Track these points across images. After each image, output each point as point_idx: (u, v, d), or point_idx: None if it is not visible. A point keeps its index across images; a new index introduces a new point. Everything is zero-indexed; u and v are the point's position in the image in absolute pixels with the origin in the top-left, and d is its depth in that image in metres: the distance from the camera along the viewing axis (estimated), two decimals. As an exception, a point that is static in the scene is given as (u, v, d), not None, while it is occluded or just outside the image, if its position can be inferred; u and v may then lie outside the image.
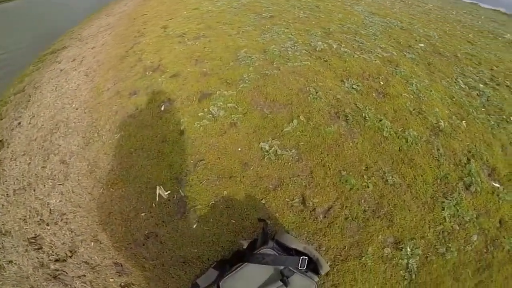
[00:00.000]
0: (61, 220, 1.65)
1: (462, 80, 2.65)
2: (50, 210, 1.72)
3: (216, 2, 4.28)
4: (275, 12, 3.59)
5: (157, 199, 1.69)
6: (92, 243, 1.56)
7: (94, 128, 2.19)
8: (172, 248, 1.53)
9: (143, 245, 1.53)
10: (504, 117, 2.38)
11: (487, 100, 2.52)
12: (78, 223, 1.63)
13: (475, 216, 1.76)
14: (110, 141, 2.05)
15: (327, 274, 1.49)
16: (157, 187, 1.74)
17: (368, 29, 3.30)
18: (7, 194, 1.86)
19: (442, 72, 2.71)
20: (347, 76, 2.39)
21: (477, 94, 2.55)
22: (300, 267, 1.13)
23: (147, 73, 2.58)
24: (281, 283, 1.09)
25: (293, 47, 2.74)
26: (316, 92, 2.18)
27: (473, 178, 1.87)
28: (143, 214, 1.63)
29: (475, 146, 2.07)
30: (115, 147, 2.01)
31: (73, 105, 2.50)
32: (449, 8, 5.58)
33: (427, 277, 1.55)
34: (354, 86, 2.28)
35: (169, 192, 1.72)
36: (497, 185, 1.92)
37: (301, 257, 1.16)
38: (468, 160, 1.97)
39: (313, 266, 1.23)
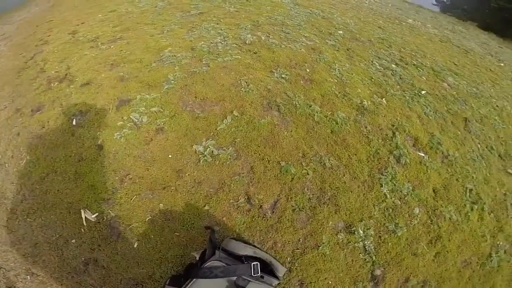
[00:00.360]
0: (-17, 258, 1.45)
1: (377, 62, 2.86)
2: (-34, 250, 1.48)
3: (137, 3, 3.85)
4: (204, 8, 3.38)
5: (85, 223, 1.46)
6: (28, 276, 1.37)
7: (-7, 157, 1.77)
8: (118, 272, 1.37)
9: (85, 272, 1.37)
10: (416, 91, 2.64)
11: (400, 78, 2.75)
12: (3, 259, 1.42)
13: (411, 188, 1.85)
14: (15, 169, 1.68)
15: (290, 270, 1.44)
16: (81, 210, 1.49)
17: (294, 20, 3.35)
18: None
19: (360, 56, 2.87)
20: (276, 66, 2.35)
21: (391, 73, 2.77)
22: (254, 274, 1.01)
23: (52, 84, 2.16)
24: None
25: (223, 42, 2.59)
26: (248, 85, 2.09)
27: (401, 150, 1.99)
28: (73, 241, 1.43)
29: (397, 120, 2.22)
30: (22, 174, 1.65)
31: (-39, 133, 1.98)
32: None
33: (387, 256, 1.59)
34: (283, 76, 2.25)
35: (97, 214, 1.48)
36: (422, 155, 2.08)
37: (252, 263, 1.03)
38: (393, 133, 2.09)
39: (269, 270, 1.12)
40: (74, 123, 1.83)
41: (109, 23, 3.20)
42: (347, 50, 2.92)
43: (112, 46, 2.57)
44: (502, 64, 4.50)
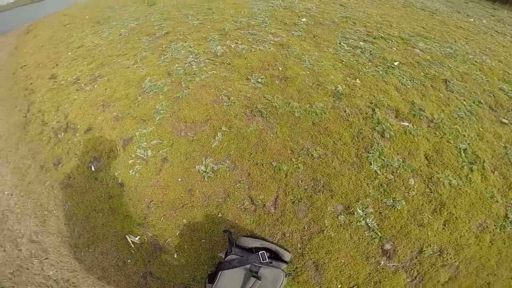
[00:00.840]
0: (70, 285, 1.82)
1: (345, 43, 3.08)
2: (55, 280, 1.87)
3: (101, 33, 4.03)
4: (169, 27, 3.57)
5: (132, 246, 1.84)
6: (110, 295, 1.78)
7: (41, 207, 2.16)
8: (169, 279, 1.74)
9: (146, 284, 1.76)
10: (388, 64, 2.82)
11: (370, 54, 2.96)
12: (85, 284, 1.81)
13: (401, 160, 1.95)
14: (63, 213, 2.07)
15: (302, 255, 1.69)
16: (127, 236, 1.87)
17: (258, 18, 3.55)
18: (8, 278, 1.92)
19: (327, 40, 3.10)
20: (250, 72, 2.58)
21: (361, 51, 2.99)
22: (263, 260, 1.32)
23: (59, 136, 2.43)
24: (254, 279, 1.27)
25: (196, 60, 2.81)
26: (229, 98, 2.33)
27: (383, 125, 2.13)
28: (129, 261, 1.82)
29: (374, 96, 2.40)
30: (70, 216, 2.05)
31: (5, 193, 2.36)
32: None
33: (392, 230, 1.71)
34: (259, 80, 2.49)
35: (139, 237, 1.85)
36: (406, 124, 2.18)
37: (260, 252, 1.34)
38: (373, 110, 2.27)
39: (276, 256, 1.43)
40: (93, 169, 2.14)
41: (83, 61, 3.40)
42: (314, 37, 3.16)
43: (95, 86, 2.80)
44: (471, 20, 4.60)
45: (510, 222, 1.80)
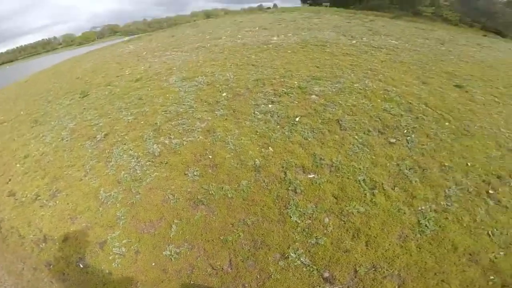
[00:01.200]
0: None
1: (258, 111, 3.93)
2: None
3: (43, 138, 4.48)
4: (106, 126, 4.16)
5: None
6: None
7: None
8: None
9: None
10: (292, 122, 3.64)
11: (278, 116, 3.79)
12: None
13: (314, 206, 2.56)
14: None
15: None
16: None
17: (185, 103, 4.27)
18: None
19: (244, 113, 3.94)
20: (186, 167, 3.34)
21: (270, 115, 3.83)
22: None
23: (40, 246, 2.99)
24: None
25: (138, 164, 3.47)
26: (174, 196, 3.08)
27: (294, 183, 2.89)
28: None
29: (284, 160, 3.19)
30: None
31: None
32: (236, 33, 7.07)
33: (323, 261, 2.18)
34: (195, 173, 3.25)
35: None
36: (312, 175, 2.90)
37: None
38: (284, 173, 3.06)
39: None
40: (81, 266, 2.76)
41: (35, 175, 3.87)
42: (234, 112, 4.00)
43: (57, 202, 3.36)
44: (354, 42, 5.66)
45: (425, 226, 2.13)
